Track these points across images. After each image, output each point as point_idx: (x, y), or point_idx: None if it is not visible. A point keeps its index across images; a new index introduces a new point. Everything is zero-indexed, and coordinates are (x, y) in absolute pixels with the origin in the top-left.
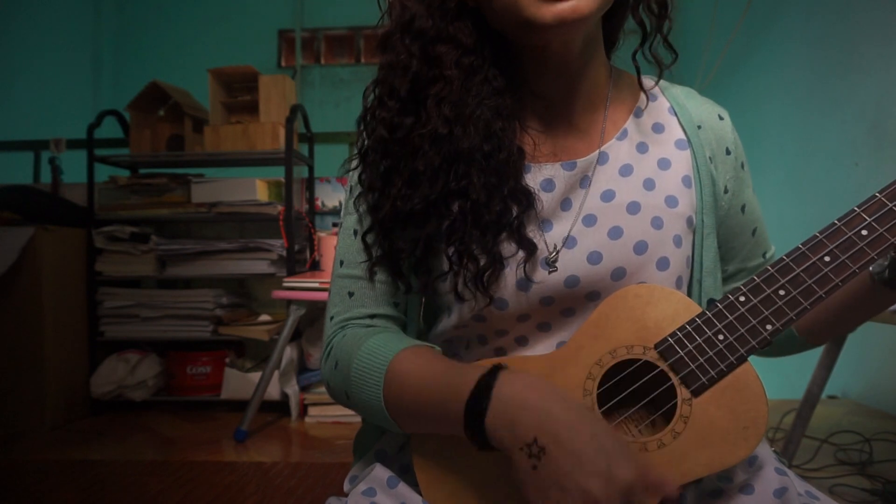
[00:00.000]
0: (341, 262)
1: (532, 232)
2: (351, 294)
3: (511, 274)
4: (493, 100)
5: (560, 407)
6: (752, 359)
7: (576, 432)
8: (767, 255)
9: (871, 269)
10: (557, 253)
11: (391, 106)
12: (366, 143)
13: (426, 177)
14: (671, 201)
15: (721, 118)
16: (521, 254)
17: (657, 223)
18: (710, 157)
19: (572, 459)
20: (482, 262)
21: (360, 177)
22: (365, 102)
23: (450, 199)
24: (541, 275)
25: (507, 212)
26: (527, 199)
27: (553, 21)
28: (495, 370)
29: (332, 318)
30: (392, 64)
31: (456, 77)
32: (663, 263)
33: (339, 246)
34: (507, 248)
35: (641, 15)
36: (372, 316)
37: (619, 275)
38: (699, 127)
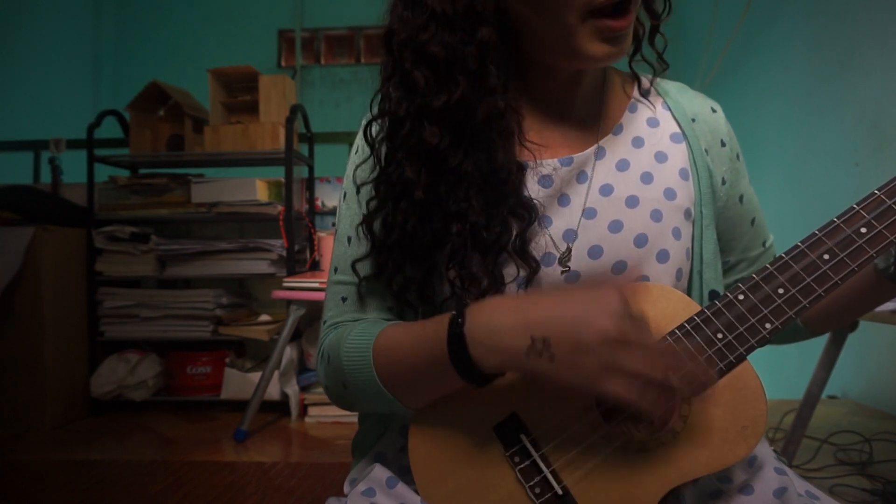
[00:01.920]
0: (335, 269)
1: (536, 239)
2: (344, 299)
3: (513, 291)
4: (496, 121)
5: (529, 303)
6: (751, 357)
7: (556, 306)
8: (767, 244)
9: (876, 264)
10: (570, 253)
11: (423, 127)
12: (371, 152)
13: (433, 202)
14: (669, 194)
15: (714, 111)
16: (523, 273)
17: (656, 216)
18: (705, 150)
19: (572, 325)
20: (484, 284)
21: (375, 188)
22: (378, 113)
23: (448, 222)
24: (543, 272)
25: (507, 231)
26: (528, 213)
27: (604, 57)
28: (460, 310)
29: (325, 322)
30: (422, 79)
31: (469, 93)
32: (663, 256)
33: (333, 252)
34: (509, 269)
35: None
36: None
37: (619, 268)
38: (693, 120)
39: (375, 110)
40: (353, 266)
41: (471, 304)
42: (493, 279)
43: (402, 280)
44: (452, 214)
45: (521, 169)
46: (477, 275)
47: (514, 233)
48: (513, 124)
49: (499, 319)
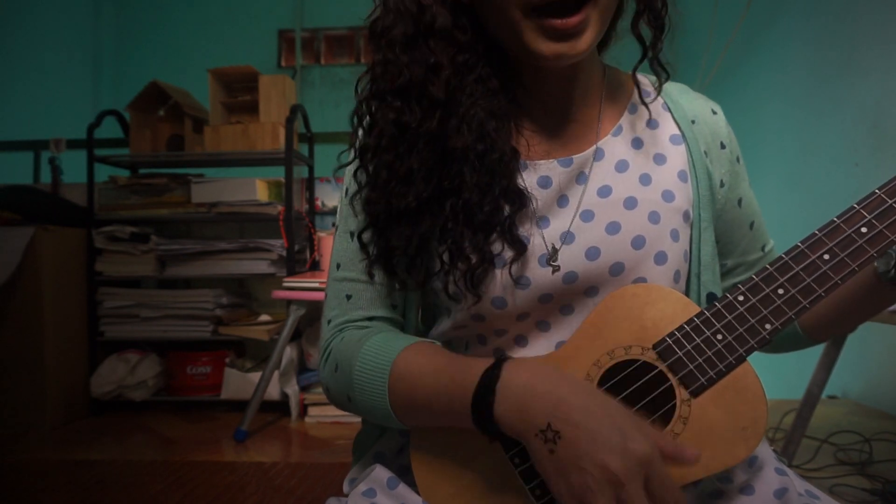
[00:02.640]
0: (338, 265)
1: (527, 230)
2: (348, 297)
3: (504, 273)
4: (487, 100)
5: (569, 390)
6: (751, 358)
7: (588, 412)
8: (766, 249)
9: (876, 267)
10: (557, 252)
11: (392, 104)
12: (363, 140)
13: (420, 175)
14: (667, 196)
15: (714, 113)
16: (510, 253)
17: (654, 218)
18: (705, 152)
19: (588, 439)
20: (473, 261)
21: (355, 174)
22: (358, 97)
23: (443, 198)
24: (540, 272)
25: (499, 211)
26: (519, 199)
27: (551, 56)
28: (499, 361)
29: (329, 321)
30: (393, 60)
31: (452, 75)
32: (661, 258)
33: (334, 248)
34: (499, 247)
35: (640, 30)
36: (370, 318)
37: (617, 270)
38: (693, 122)
39: (364, 95)
40: (359, 237)
41: (510, 360)
42: (482, 257)
43: (387, 249)
44: (446, 190)
45: (516, 154)
46: (467, 252)
47: (505, 214)
48: (506, 107)
49: (534, 387)
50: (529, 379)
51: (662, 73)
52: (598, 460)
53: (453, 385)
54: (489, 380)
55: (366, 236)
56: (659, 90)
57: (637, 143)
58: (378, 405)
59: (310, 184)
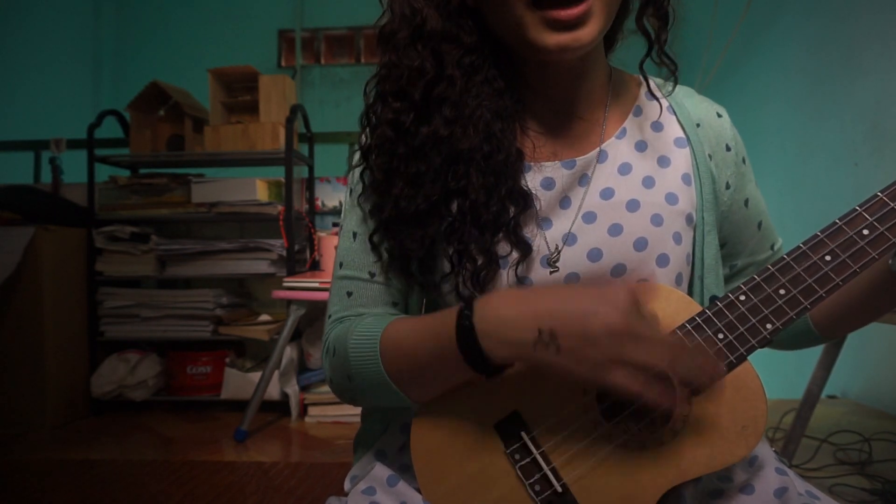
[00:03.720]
0: (341, 264)
1: (531, 231)
2: (349, 294)
3: (508, 274)
4: (493, 101)
5: (535, 295)
6: (751, 357)
7: (563, 300)
8: (776, 248)
9: (890, 265)
10: (559, 252)
11: (396, 106)
12: (368, 142)
13: (428, 177)
14: (671, 199)
15: (719, 115)
16: (516, 254)
17: (657, 220)
18: (709, 155)
19: (578, 318)
20: (479, 262)
21: (361, 176)
22: (366, 99)
23: (450, 198)
24: (543, 273)
25: (505, 212)
26: (524, 200)
27: (555, 48)
28: (468, 302)
29: (329, 316)
30: (397, 63)
31: (458, 77)
32: (663, 260)
33: (338, 248)
34: (504, 248)
35: (645, 24)
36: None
37: (619, 271)
38: (698, 125)
39: (371, 97)
40: (370, 239)
41: (478, 297)
42: (488, 258)
43: (402, 252)
44: (453, 191)
45: (520, 156)
46: (473, 252)
47: (510, 215)
48: (512, 108)
49: (506, 311)
50: (497, 307)
51: (670, 64)
52: (599, 327)
53: (437, 341)
54: (465, 324)
55: (376, 238)
56: (675, 82)
57: (641, 146)
58: (373, 373)
59: (310, 184)
